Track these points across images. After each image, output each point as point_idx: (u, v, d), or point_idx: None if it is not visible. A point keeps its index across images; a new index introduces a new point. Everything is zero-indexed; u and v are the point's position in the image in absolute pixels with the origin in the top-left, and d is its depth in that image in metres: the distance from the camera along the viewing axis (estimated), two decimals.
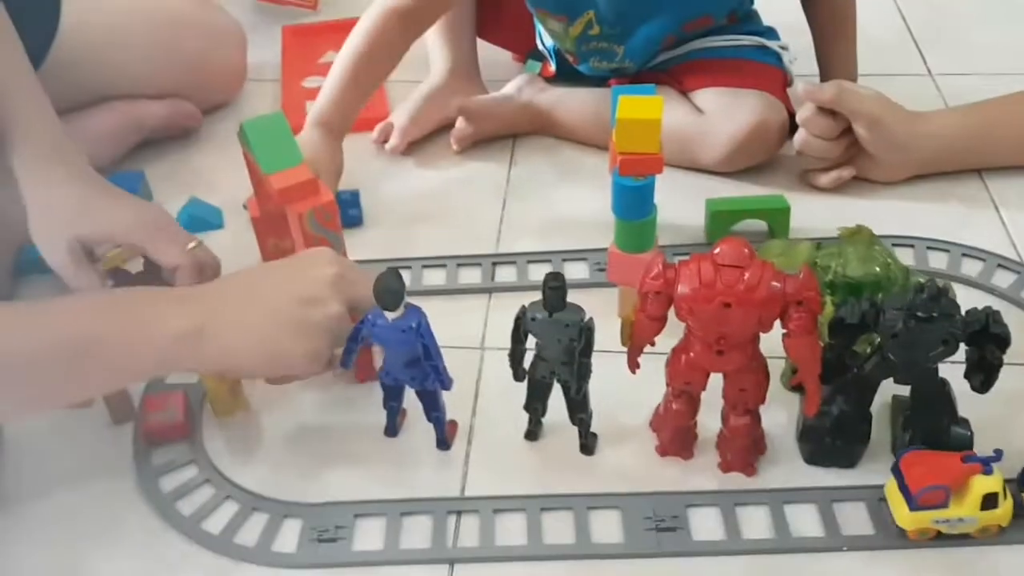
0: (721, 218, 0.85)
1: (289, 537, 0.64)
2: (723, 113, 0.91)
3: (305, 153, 0.75)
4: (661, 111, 0.68)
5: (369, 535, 0.64)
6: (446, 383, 0.66)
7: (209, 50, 1.03)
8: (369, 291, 0.63)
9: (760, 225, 0.86)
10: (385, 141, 1.01)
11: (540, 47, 1.05)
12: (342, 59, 0.94)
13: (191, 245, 0.73)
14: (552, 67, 1.04)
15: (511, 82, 1.04)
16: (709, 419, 0.66)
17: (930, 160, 0.91)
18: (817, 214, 0.89)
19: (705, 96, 0.94)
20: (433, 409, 0.68)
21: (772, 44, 0.97)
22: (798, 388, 0.68)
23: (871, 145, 0.88)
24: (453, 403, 0.70)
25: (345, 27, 1.22)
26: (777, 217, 0.85)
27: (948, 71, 1.10)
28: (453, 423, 0.70)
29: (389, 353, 0.66)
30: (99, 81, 0.97)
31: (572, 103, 1.00)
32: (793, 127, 0.94)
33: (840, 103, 0.86)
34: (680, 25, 0.95)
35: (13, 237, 0.85)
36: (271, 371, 0.66)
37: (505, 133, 1.02)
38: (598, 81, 1.02)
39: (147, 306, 0.62)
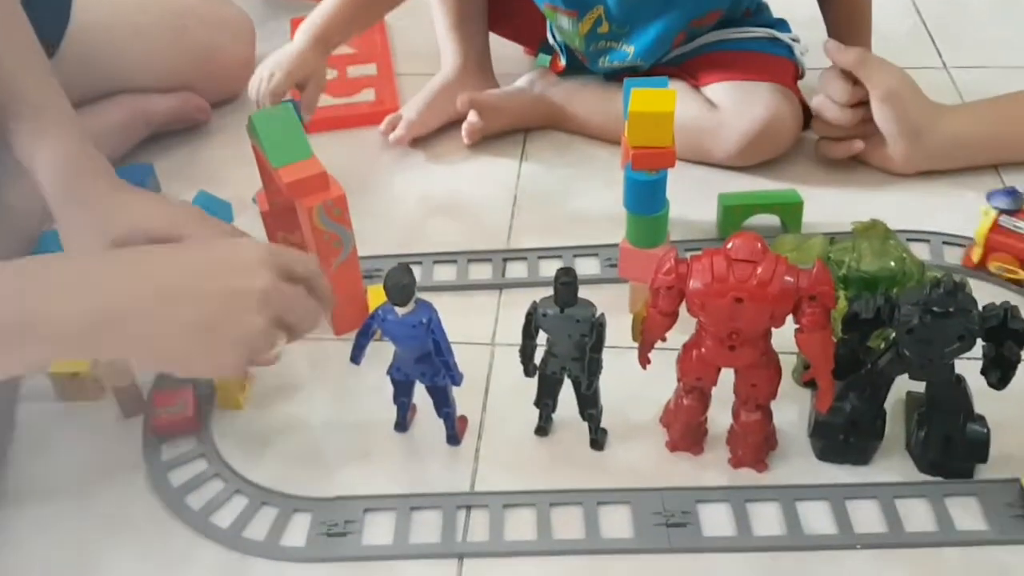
0: (733, 213, 0.84)
1: (298, 531, 0.64)
2: (736, 107, 0.91)
3: (291, 60, 0.79)
4: (674, 104, 0.68)
5: (379, 530, 0.64)
6: (456, 379, 0.66)
7: (217, 42, 1.03)
8: (303, 313, 0.61)
9: (773, 220, 0.85)
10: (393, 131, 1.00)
11: (551, 41, 1.04)
12: None
13: (228, 228, 0.72)
14: (562, 61, 1.03)
15: (523, 76, 1.04)
16: (720, 415, 0.66)
17: (942, 152, 0.89)
18: (831, 208, 0.88)
19: (717, 90, 0.93)
20: (443, 405, 0.68)
21: (784, 36, 0.96)
22: (810, 384, 0.68)
23: (884, 122, 0.87)
24: (463, 399, 0.69)
25: None
26: (789, 212, 0.84)
27: (963, 64, 1.09)
28: (463, 418, 0.70)
29: (400, 348, 0.66)
30: (107, 74, 0.97)
31: (584, 97, 1.00)
32: (807, 120, 0.94)
33: (861, 67, 0.86)
34: (689, 22, 0.94)
35: (28, 229, 0.85)
36: (172, 372, 0.60)
37: (516, 127, 1.01)
38: (610, 75, 1.02)
39: (46, 283, 0.56)
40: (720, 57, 0.95)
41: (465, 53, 1.04)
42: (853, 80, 0.87)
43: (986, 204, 0.78)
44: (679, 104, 0.68)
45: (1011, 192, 0.76)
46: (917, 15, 1.19)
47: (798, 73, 0.97)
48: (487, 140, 1.01)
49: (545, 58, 1.09)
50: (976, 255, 0.79)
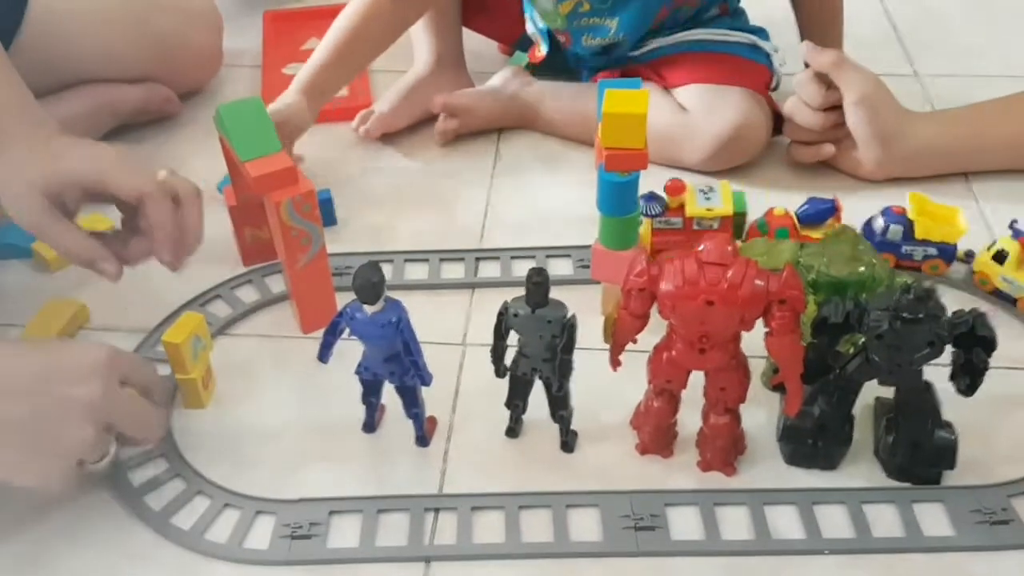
0: None
1: (261, 534, 0.63)
2: (707, 112, 0.91)
3: (279, 112, 0.80)
4: (647, 105, 0.67)
5: (344, 532, 0.63)
6: (426, 379, 0.65)
7: (183, 31, 1.01)
8: (135, 421, 0.61)
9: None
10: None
11: (530, 30, 1.03)
12: (332, 31, 0.94)
13: (162, 174, 0.70)
14: (543, 49, 1.02)
15: (496, 75, 1.03)
16: (689, 418, 0.66)
17: (912, 159, 0.90)
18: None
19: (689, 92, 0.93)
20: (412, 405, 0.67)
21: (764, 45, 0.97)
22: (779, 388, 0.68)
23: (856, 126, 0.88)
24: (433, 399, 0.68)
25: (328, 13, 1.20)
26: (734, 220, 0.85)
27: (934, 72, 1.10)
28: (432, 419, 0.69)
29: (368, 348, 0.65)
30: (69, 63, 0.94)
31: (558, 97, 1.00)
32: (777, 128, 0.94)
33: (837, 70, 0.86)
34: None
35: None
36: None
37: (490, 127, 1.01)
38: (587, 73, 1.02)
39: None
40: (697, 57, 0.95)
41: (439, 50, 1.03)
42: (827, 84, 0.87)
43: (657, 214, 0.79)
44: (651, 108, 0.68)
45: (652, 197, 0.77)
46: (889, 22, 1.20)
47: (773, 81, 0.97)
48: (461, 139, 1.00)
49: (521, 56, 1.08)
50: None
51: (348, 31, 0.93)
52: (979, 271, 0.78)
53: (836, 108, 0.88)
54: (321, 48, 0.94)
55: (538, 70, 1.04)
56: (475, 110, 0.99)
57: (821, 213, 0.80)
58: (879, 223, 0.81)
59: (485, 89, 1.01)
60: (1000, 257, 0.77)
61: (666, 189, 0.78)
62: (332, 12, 1.20)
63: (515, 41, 1.09)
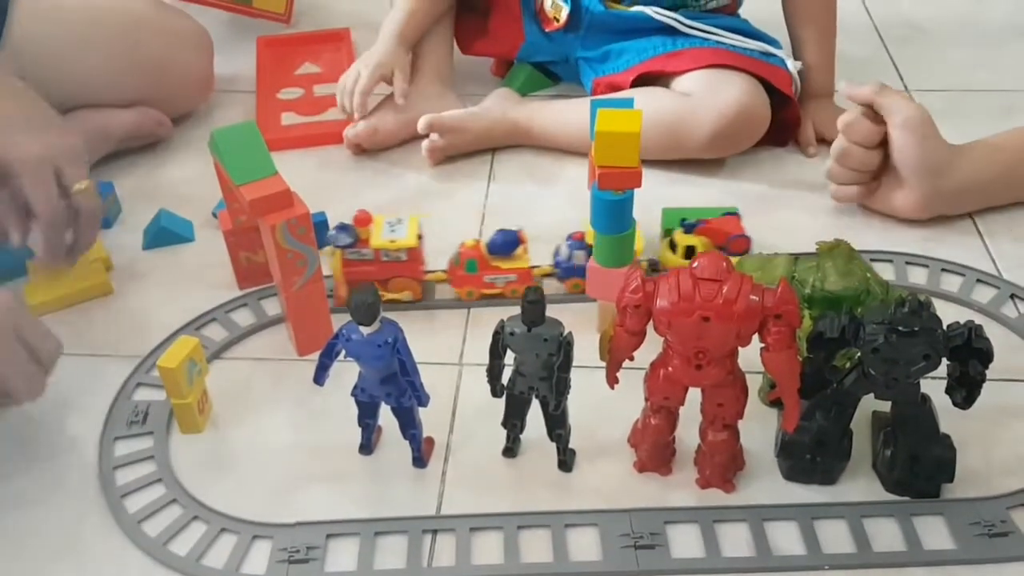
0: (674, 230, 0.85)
1: (259, 559, 0.62)
2: (710, 92, 0.91)
3: (374, 59, 0.95)
4: (640, 124, 0.68)
5: (342, 555, 0.62)
6: (423, 399, 0.65)
7: (173, 55, 1.01)
8: (20, 378, 0.63)
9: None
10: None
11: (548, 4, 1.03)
12: None
13: (78, 186, 0.70)
14: (565, 12, 1.01)
15: (487, 97, 1.04)
16: (688, 435, 0.66)
17: (959, 195, 0.86)
18: (796, 228, 0.88)
19: (694, 77, 0.93)
20: (409, 426, 0.67)
21: (778, 52, 0.98)
22: (777, 403, 0.68)
23: (903, 152, 0.83)
24: (430, 420, 0.68)
25: (321, 39, 1.22)
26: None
27: (924, 87, 1.10)
28: (430, 440, 0.69)
29: (365, 369, 0.64)
30: (59, 89, 0.92)
31: (549, 113, 1.00)
32: (783, 139, 0.94)
33: (880, 96, 0.83)
34: None
35: None
36: None
37: (481, 147, 1.01)
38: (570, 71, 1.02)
39: None
40: (712, 50, 0.95)
41: (427, 69, 1.03)
42: (874, 119, 0.85)
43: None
44: (653, 99, 0.68)
45: (342, 227, 0.78)
46: (879, 38, 1.21)
47: (790, 81, 0.97)
48: (455, 159, 1.00)
49: (514, 78, 1.09)
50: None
51: None
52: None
53: (882, 144, 0.85)
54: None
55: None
56: (463, 129, 0.99)
57: (508, 244, 0.80)
58: (564, 251, 0.81)
59: (474, 108, 1.02)
60: (689, 254, 0.78)
61: (354, 220, 0.78)
62: (324, 37, 1.22)
63: (510, 60, 1.10)
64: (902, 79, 1.12)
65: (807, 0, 0.99)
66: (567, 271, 0.81)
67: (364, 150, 1.01)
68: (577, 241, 0.81)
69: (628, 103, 0.74)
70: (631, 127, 0.68)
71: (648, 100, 0.81)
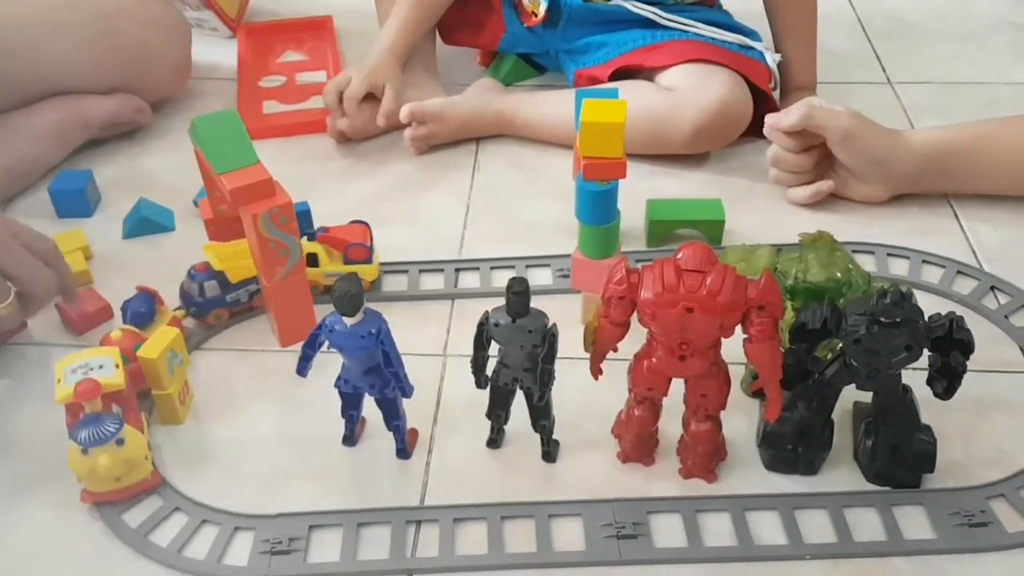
0: (658, 227, 0.85)
1: (241, 550, 0.62)
2: (693, 88, 0.92)
3: (367, 68, 0.95)
4: (625, 115, 0.68)
5: (325, 547, 0.62)
6: (407, 391, 0.65)
7: (150, 40, 0.99)
8: (32, 274, 0.68)
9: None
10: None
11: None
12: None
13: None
14: (542, 8, 1.01)
15: (470, 87, 1.03)
16: (670, 425, 0.66)
17: (910, 175, 0.88)
18: (778, 219, 0.89)
19: (676, 72, 0.94)
20: (393, 417, 0.66)
21: (757, 45, 0.98)
22: (759, 394, 0.68)
23: (849, 161, 0.87)
24: (414, 411, 0.68)
25: (303, 26, 1.21)
26: (712, 228, 0.85)
27: (907, 79, 1.11)
28: (414, 431, 0.69)
29: (348, 360, 0.64)
30: (34, 73, 0.93)
31: (534, 103, 1.00)
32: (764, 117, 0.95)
33: (809, 122, 0.85)
34: None
35: None
36: None
37: (464, 136, 1.01)
38: (572, 57, 1.02)
39: None
40: (689, 43, 0.96)
41: (411, 58, 1.03)
42: (800, 142, 0.87)
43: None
44: (636, 93, 0.68)
45: (146, 298, 0.74)
46: (862, 31, 1.21)
47: (771, 77, 0.97)
48: (439, 149, 1.00)
49: (497, 68, 1.08)
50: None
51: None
52: (311, 279, 0.77)
53: (817, 145, 0.88)
54: (396, 12, 1.01)
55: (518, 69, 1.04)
56: (445, 117, 0.98)
57: (144, 316, 0.73)
58: (193, 287, 0.76)
59: (457, 97, 1.02)
60: (314, 262, 0.78)
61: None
62: (306, 25, 1.21)
63: (494, 51, 1.09)
64: (885, 72, 1.13)
65: None
66: (203, 306, 0.77)
67: (347, 139, 1.01)
68: (201, 273, 0.77)
69: (613, 93, 0.74)
70: (616, 117, 0.68)
71: (631, 94, 0.81)
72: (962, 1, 1.27)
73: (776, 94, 0.99)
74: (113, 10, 0.97)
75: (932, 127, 0.92)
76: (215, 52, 1.14)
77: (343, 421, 0.68)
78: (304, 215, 0.84)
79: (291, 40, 1.17)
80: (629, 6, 0.98)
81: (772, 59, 0.97)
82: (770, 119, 0.87)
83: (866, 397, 0.64)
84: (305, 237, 0.79)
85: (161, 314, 0.75)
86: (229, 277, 0.77)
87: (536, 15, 1.02)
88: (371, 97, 0.99)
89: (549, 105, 0.99)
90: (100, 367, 0.64)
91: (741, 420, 0.69)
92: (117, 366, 0.65)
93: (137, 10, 0.99)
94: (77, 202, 0.91)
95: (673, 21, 0.97)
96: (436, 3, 1.03)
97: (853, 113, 0.86)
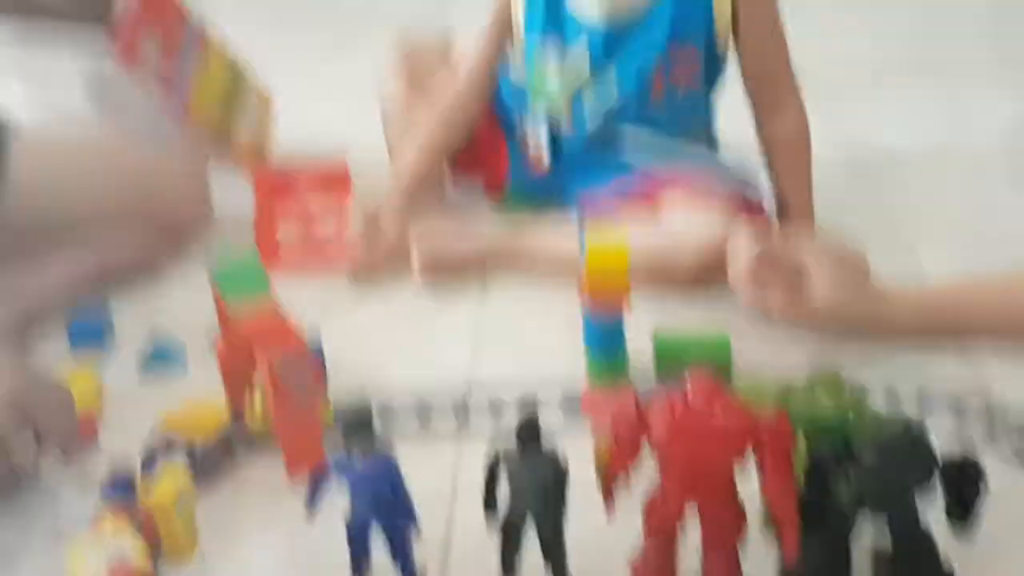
0: (666, 358, 0.85)
1: None
2: (694, 224, 0.93)
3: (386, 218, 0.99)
4: (627, 248, 0.70)
5: None
6: (416, 528, 0.64)
7: (173, 189, 1.02)
8: (51, 414, 0.66)
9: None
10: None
11: (532, 143, 1.07)
12: (424, 136, 1.06)
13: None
14: (546, 159, 1.05)
15: (478, 218, 1.07)
16: (689, 559, 0.64)
17: (893, 334, 0.88)
18: (786, 351, 0.89)
19: (676, 208, 0.96)
20: (402, 555, 0.65)
21: (753, 181, 1.01)
22: (775, 528, 0.67)
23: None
24: (423, 548, 0.67)
25: (323, 171, 1.24)
26: (720, 361, 0.85)
27: (906, 213, 1.12)
28: (423, 568, 0.67)
29: (357, 497, 0.64)
30: (57, 227, 0.95)
31: (539, 236, 1.02)
32: None
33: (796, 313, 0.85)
34: (667, 48, 0.97)
35: None
36: None
37: (472, 266, 1.03)
38: (577, 187, 1.05)
39: None
40: (690, 178, 0.98)
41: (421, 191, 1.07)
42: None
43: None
44: (638, 229, 0.69)
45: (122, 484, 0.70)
46: (855, 163, 1.24)
47: (765, 215, 1.00)
48: (446, 280, 1.02)
49: (512, 203, 1.12)
50: None
51: (436, 128, 1.06)
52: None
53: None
54: (412, 140, 1.06)
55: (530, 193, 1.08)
56: (453, 248, 1.01)
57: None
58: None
59: (465, 229, 1.04)
60: None
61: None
62: (325, 168, 1.26)
63: (502, 187, 1.13)
64: (882, 205, 1.15)
65: (785, 139, 1.02)
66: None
67: (360, 274, 1.03)
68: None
69: (615, 227, 0.76)
70: (619, 250, 0.70)
71: (632, 228, 0.82)
72: (955, 136, 1.30)
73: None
74: (136, 162, 1.01)
75: (922, 287, 0.91)
76: (235, 190, 1.18)
77: (351, 557, 0.66)
78: (316, 352, 0.86)
79: (308, 180, 1.21)
80: (629, 159, 1.02)
81: (768, 199, 1.00)
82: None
83: (885, 542, 0.63)
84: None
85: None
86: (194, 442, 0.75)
87: (541, 165, 1.06)
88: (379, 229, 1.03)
89: (554, 237, 1.01)
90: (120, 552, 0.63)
91: (759, 554, 0.67)
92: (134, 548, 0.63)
93: (158, 160, 1.03)
94: (92, 338, 0.92)
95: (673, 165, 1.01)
96: (450, 135, 1.08)
97: (835, 263, 0.84)
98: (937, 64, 1.53)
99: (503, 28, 1.05)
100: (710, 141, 1.07)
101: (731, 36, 0.98)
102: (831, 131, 1.30)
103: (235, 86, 1.15)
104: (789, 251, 0.85)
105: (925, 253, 1.05)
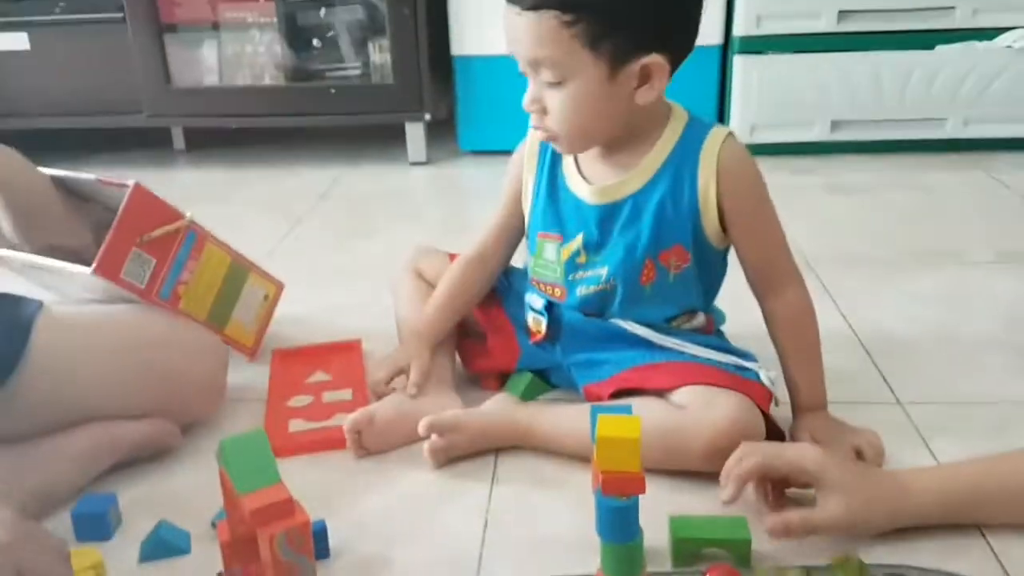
0: (684, 545, 0.84)
1: None
2: (704, 406, 0.93)
3: (394, 354, 1.07)
4: (640, 430, 0.70)
5: None
6: None
7: (188, 367, 1.03)
8: (46, 566, 0.66)
9: None
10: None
11: (530, 316, 1.09)
12: (437, 294, 1.13)
13: None
14: (543, 326, 1.07)
15: (487, 401, 1.07)
16: None
17: (913, 520, 0.86)
18: (804, 540, 0.86)
19: (683, 393, 0.96)
20: None
21: (751, 365, 1.01)
22: None
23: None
24: None
25: (333, 349, 1.27)
26: (738, 548, 0.83)
27: (915, 399, 1.12)
28: None
29: None
30: (71, 404, 0.95)
31: (549, 416, 1.02)
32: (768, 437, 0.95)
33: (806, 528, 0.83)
34: (656, 245, 1.00)
35: None
36: None
37: (482, 447, 1.02)
38: (576, 371, 1.06)
39: None
40: (688, 366, 0.99)
41: (430, 375, 1.08)
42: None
43: None
44: (645, 408, 0.69)
45: None
46: (865, 352, 1.25)
47: (770, 396, 0.99)
48: (458, 460, 1.01)
49: (514, 385, 1.12)
50: None
51: (450, 293, 1.12)
52: None
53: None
54: (429, 304, 1.12)
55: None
56: (462, 427, 1.00)
57: None
58: None
59: (474, 410, 1.05)
60: None
61: None
62: (336, 348, 1.28)
63: (507, 377, 1.15)
64: (893, 391, 1.15)
65: (788, 319, 1.03)
66: None
67: (366, 450, 1.02)
68: None
69: (627, 409, 0.77)
70: (631, 433, 0.69)
71: (642, 411, 0.82)
72: (957, 322, 1.33)
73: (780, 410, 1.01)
74: (151, 339, 1.01)
75: (934, 467, 0.91)
76: (246, 374, 1.20)
77: None
78: (320, 533, 0.84)
79: (321, 361, 1.23)
80: (625, 325, 1.03)
81: (766, 377, 1.00)
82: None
83: None
84: None
85: None
86: None
87: (540, 332, 1.08)
88: (391, 399, 1.04)
89: (565, 418, 1.01)
90: None
91: None
92: None
93: (175, 337, 1.04)
94: (98, 526, 0.91)
95: (668, 341, 1.02)
96: (460, 301, 1.13)
97: (848, 517, 0.83)
98: (936, 251, 1.58)
99: (511, 204, 1.11)
100: (709, 311, 1.08)
101: (721, 231, 1.00)
102: (837, 319, 1.33)
103: (232, 284, 1.20)
104: (796, 467, 0.84)
105: (936, 440, 1.04)
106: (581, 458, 0.96)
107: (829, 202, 1.85)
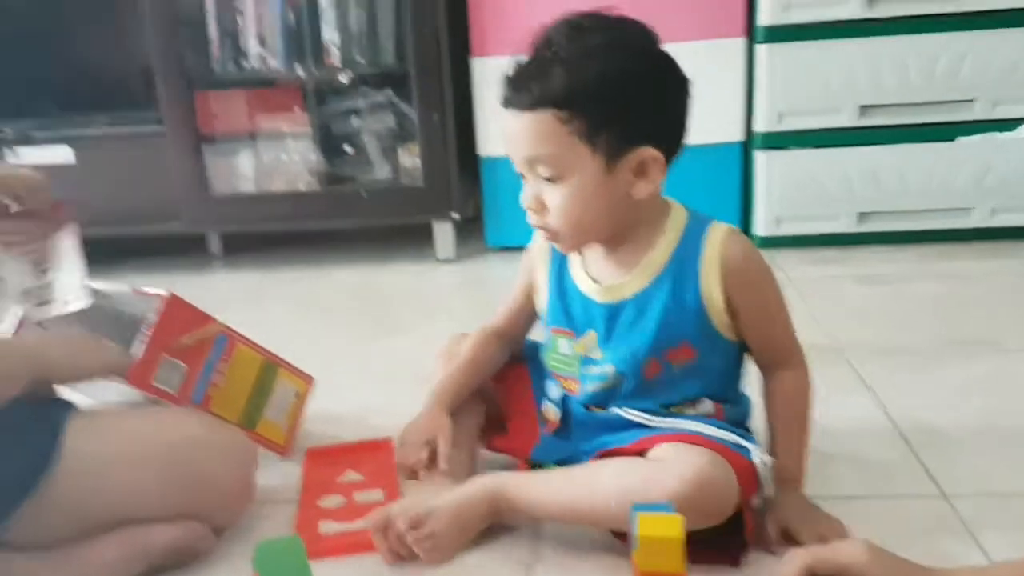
0: None
1: None
2: (674, 458, 0.92)
3: (416, 427, 1.07)
4: (681, 529, 0.68)
5: None
6: None
7: (218, 470, 1.03)
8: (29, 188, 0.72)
9: None
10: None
11: (546, 405, 1.10)
12: (460, 360, 1.14)
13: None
14: (556, 417, 1.08)
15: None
16: None
17: None
18: None
19: (658, 449, 0.95)
20: None
21: (747, 443, 0.98)
22: None
23: None
24: None
25: (364, 448, 1.27)
26: None
27: (961, 492, 1.09)
28: None
29: None
30: (102, 507, 0.95)
31: (525, 483, 1.01)
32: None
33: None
34: (662, 343, 1.00)
35: None
36: None
37: (467, 525, 1.00)
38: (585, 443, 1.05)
39: None
40: (677, 436, 0.97)
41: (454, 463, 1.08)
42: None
43: None
44: (620, 465, 0.67)
45: None
46: (905, 444, 1.22)
47: (754, 473, 0.96)
48: (485, 544, 0.99)
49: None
50: None
51: (470, 359, 1.14)
52: None
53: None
54: (450, 372, 1.13)
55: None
56: (434, 513, 0.98)
57: None
58: None
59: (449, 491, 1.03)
60: None
61: None
62: (367, 447, 1.27)
63: (528, 456, 1.13)
64: (937, 484, 1.11)
65: (783, 392, 1.03)
66: None
67: (400, 559, 1.00)
68: None
69: (667, 508, 0.75)
70: (673, 532, 0.68)
71: (613, 466, 0.83)
72: (998, 411, 1.29)
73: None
74: (182, 441, 1.01)
75: (969, 567, 0.87)
76: (276, 474, 1.19)
77: None
78: None
79: (354, 460, 1.22)
80: (623, 413, 1.03)
81: (758, 457, 0.97)
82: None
83: None
84: None
85: None
86: None
87: (554, 422, 1.09)
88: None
89: (543, 482, 0.99)
90: None
91: None
92: None
93: (205, 439, 1.03)
94: None
95: (665, 423, 1.02)
96: (481, 367, 1.15)
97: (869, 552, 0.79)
98: (972, 339, 1.56)
99: (521, 297, 1.15)
100: (728, 401, 1.06)
101: (727, 319, 1.01)
102: (874, 410, 1.30)
103: (264, 383, 1.22)
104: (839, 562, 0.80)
105: (985, 534, 1.00)
106: (567, 520, 0.97)
107: (859, 293, 1.84)
